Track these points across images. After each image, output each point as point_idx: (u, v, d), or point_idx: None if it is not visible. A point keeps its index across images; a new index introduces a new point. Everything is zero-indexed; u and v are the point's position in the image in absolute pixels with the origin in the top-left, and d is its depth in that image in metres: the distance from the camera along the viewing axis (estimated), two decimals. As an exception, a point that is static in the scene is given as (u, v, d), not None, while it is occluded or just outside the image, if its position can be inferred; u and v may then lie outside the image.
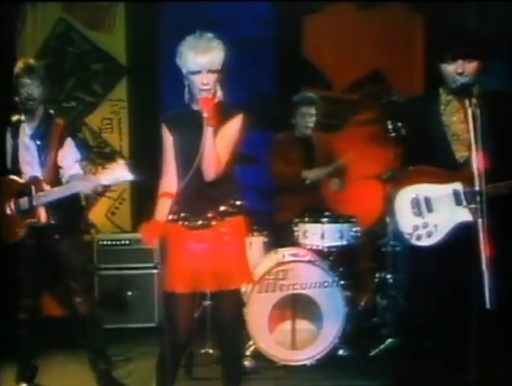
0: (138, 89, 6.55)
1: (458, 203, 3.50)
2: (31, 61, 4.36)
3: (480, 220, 3.18)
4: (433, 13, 6.13)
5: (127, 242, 6.03)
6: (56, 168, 4.26)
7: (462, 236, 3.43)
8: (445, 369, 3.63)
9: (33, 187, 4.19)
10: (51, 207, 4.18)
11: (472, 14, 6.12)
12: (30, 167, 4.26)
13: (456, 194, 3.50)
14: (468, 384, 3.44)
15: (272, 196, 5.78)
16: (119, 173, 3.93)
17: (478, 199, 3.21)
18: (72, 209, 4.29)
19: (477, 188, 3.22)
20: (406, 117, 3.71)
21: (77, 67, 6.54)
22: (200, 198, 3.44)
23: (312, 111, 5.58)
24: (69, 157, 4.28)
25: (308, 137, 5.64)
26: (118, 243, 6.03)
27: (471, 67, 3.43)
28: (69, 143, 4.29)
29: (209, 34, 3.41)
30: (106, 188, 4.19)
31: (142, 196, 6.39)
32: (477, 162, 3.23)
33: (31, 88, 4.20)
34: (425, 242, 3.51)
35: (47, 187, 4.18)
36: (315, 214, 5.21)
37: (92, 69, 6.57)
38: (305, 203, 5.46)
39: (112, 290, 5.90)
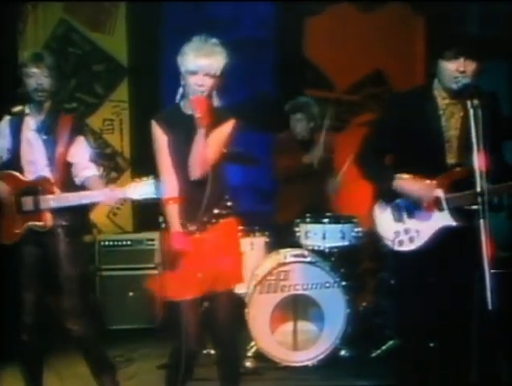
0: (139, 90, 6.56)
1: (440, 208, 3.51)
2: (39, 50, 4.17)
3: (481, 221, 3.18)
4: (433, 13, 6.13)
5: (129, 243, 6.03)
6: (67, 167, 3.89)
7: (446, 239, 3.47)
8: (445, 370, 3.62)
9: (40, 188, 3.81)
10: (58, 209, 3.82)
11: (472, 15, 6.13)
12: (34, 165, 3.87)
13: (437, 200, 3.50)
14: (468, 384, 3.45)
15: (273, 197, 5.77)
16: (147, 189, 3.62)
17: (479, 200, 3.21)
18: (78, 210, 3.90)
19: (478, 189, 3.21)
20: (397, 110, 3.63)
21: (78, 68, 6.54)
22: (193, 203, 3.41)
23: (299, 116, 5.53)
24: (83, 154, 3.93)
25: (309, 139, 5.61)
26: (120, 243, 6.03)
27: (471, 67, 3.41)
28: (81, 140, 3.95)
29: (214, 40, 3.42)
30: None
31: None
32: (478, 163, 3.23)
33: (40, 78, 3.82)
34: (407, 247, 3.54)
35: (57, 190, 3.82)
36: (317, 214, 5.21)
37: (93, 70, 6.58)
38: (306, 204, 5.45)
39: (113, 291, 5.91)
